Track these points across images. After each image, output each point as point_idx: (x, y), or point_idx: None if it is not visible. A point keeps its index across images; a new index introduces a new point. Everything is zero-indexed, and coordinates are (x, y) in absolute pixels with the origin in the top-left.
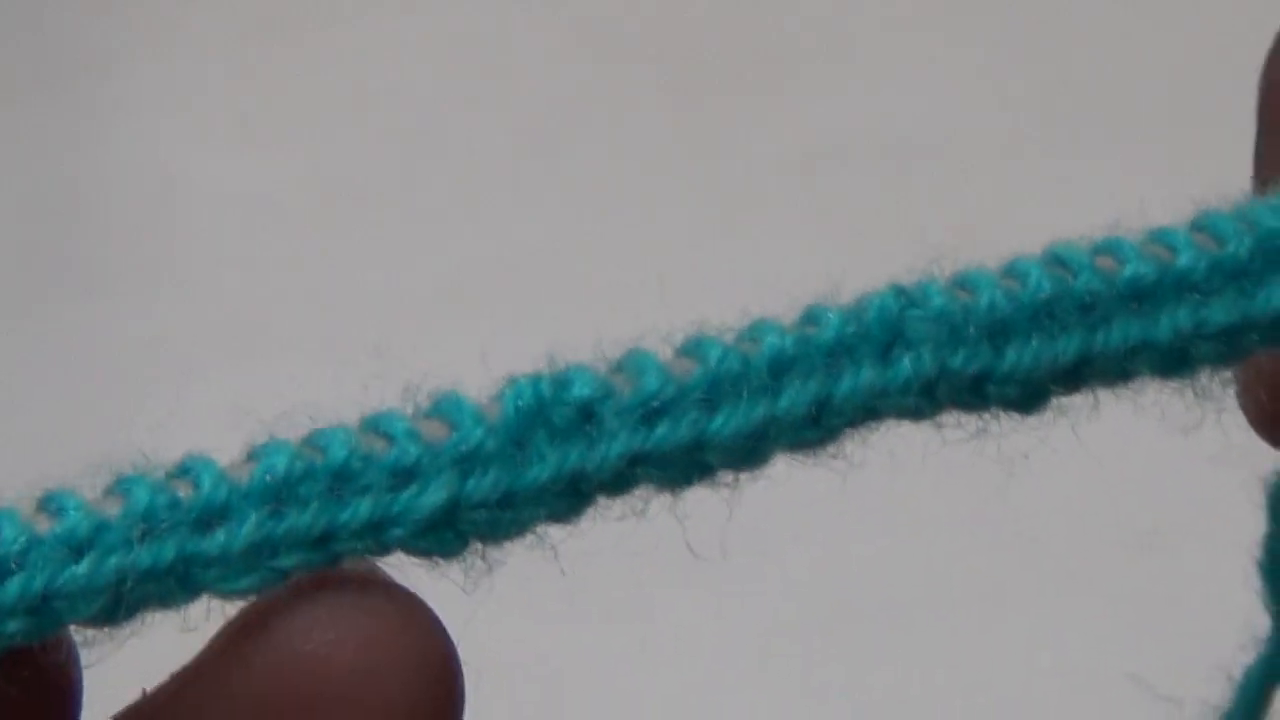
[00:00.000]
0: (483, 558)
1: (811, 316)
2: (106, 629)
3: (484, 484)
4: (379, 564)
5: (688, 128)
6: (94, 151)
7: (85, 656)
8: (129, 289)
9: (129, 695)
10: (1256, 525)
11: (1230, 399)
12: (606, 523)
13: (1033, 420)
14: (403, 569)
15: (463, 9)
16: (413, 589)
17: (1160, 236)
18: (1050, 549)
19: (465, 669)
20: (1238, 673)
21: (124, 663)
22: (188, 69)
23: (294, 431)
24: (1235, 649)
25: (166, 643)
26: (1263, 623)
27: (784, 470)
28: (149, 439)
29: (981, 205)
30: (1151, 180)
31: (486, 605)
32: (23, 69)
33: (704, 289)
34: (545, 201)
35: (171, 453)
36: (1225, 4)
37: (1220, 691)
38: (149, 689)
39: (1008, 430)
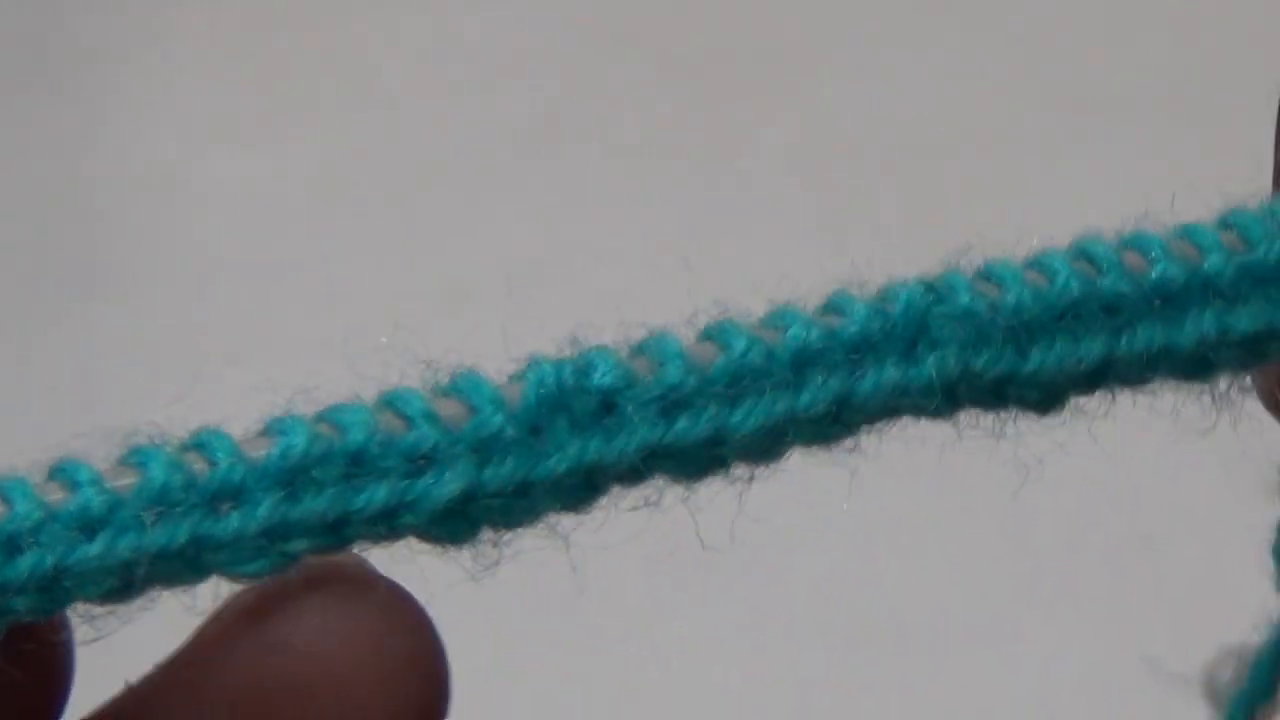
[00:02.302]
0: (494, 544)
1: (836, 305)
2: (113, 606)
3: (501, 473)
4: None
5: (688, 127)
6: (96, 150)
7: (90, 632)
8: (132, 287)
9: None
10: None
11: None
12: (621, 524)
13: (1049, 421)
14: (413, 559)
15: (462, 8)
16: (409, 586)
17: (1188, 233)
18: (1056, 554)
19: (480, 675)
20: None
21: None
22: (192, 68)
23: (310, 407)
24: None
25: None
26: (1273, 605)
27: (790, 481)
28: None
29: (982, 203)
30: (1152, 178)
31: (499, 609)
32: (24, 68)
33: (704, 287)
34: (546, 199)
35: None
36: (1227, 3)
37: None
38: (132, 680)
39: (1024, 431)
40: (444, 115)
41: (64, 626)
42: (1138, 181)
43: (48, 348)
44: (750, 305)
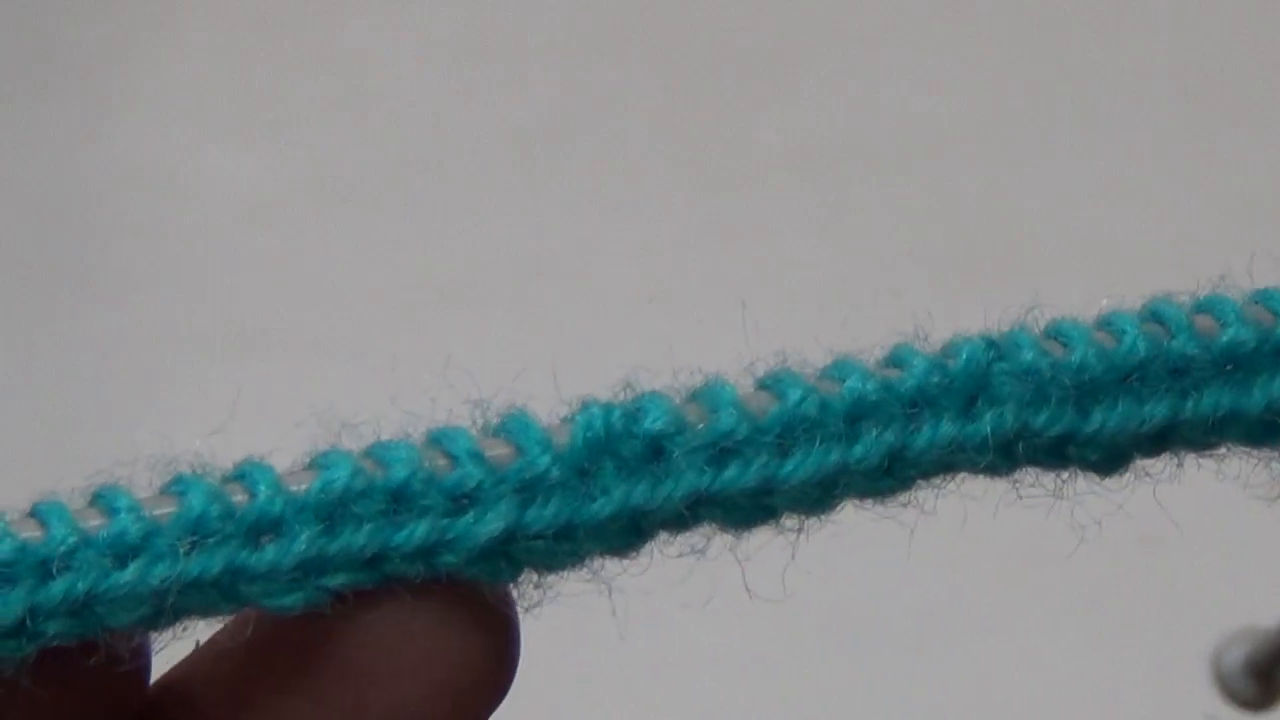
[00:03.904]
0: (536, 585)
1: (897, 359)
2: (146, 633)
3: (544, 515)
4: None
5: (687, 128)
6: (96, 150)
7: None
8: (131, 287)
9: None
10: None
11: None
12: (662, 558)
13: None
14: None
15: (463, 9)
16: None
17: (1263, 298)
18: (1055, 565)
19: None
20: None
21: None
22: (192, 68)
23: (357, 440)
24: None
25: None
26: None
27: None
28: (150, 438)
29: (981, 204)
30: (1152, 178)
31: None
32: (23, 69)
33: (703, 288)
34: (545, 201)
35: (166, 452)
36: (1226, 3)
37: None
38: (202, 641)
39: (1084, 491)
40: (444, 115)
41: (98, 650)
42: (1139, 181)
43: (45, 347)
44: (745, 309)
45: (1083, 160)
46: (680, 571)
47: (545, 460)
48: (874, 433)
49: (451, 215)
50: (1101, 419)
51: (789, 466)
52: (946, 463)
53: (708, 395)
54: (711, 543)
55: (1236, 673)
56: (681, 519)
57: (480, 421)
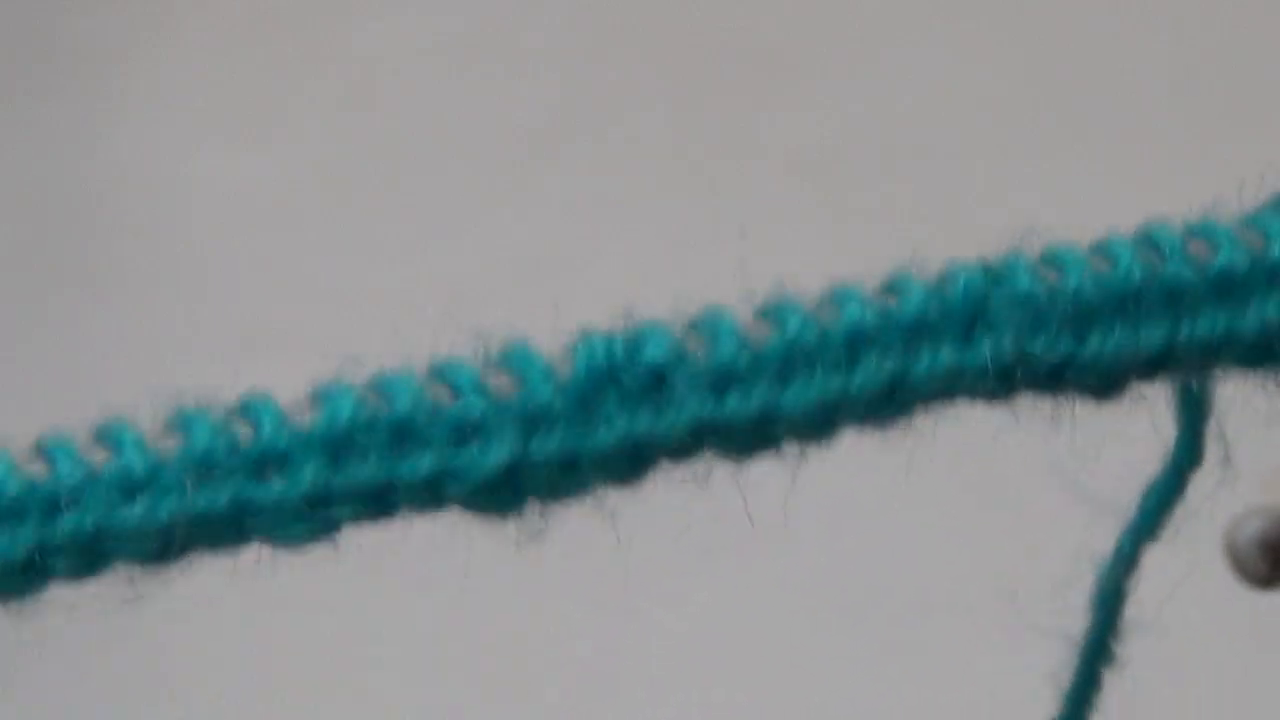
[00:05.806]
0: (540, 516)
1: (894, 286)
2: (154, 568)
3: (548, 445)
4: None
5: (687, 128)
6: (96, 150)
7: (129, 592)
8: (130, 287)
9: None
10: None
11: None
12: (661, 493)
13: (1108, 406)
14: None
15: (463, 9)
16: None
17: (1255, 222)
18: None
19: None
20: None
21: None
22: (189, 68)
23: (361, 375)
24: None
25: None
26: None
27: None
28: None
29: (980, 205)
30: (1150, 179)
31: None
32: (23, 69)
33: (703, 288)
34: (545, 201)
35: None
36: (1223, 3)
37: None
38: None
39: (1081, 416)
40: (445, 115)
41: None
42: (1139, 181)
43: (45, 347)
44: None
45: (1083, 160)
46: (681, 538)
47: (548, 390)
48: (874, 360)
49: (452, 215)
50: (1099, 343)
51: (790, 394)
52: (946, 389)
53: (707, 324)
54: (713, 472)
55: (1249, 548)
56: (684, 448)
57: (482, 354)
